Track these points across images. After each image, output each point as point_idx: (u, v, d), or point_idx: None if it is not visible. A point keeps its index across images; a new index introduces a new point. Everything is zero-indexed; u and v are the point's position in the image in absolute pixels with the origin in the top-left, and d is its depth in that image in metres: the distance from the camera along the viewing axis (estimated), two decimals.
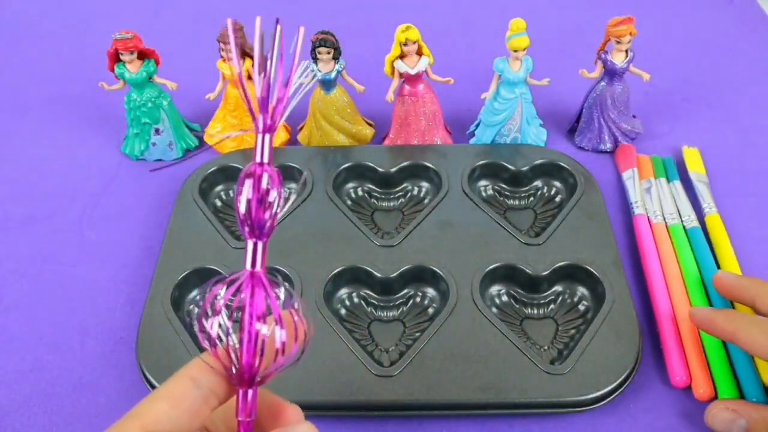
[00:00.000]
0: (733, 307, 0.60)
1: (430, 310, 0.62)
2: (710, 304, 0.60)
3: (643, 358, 0.58)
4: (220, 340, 0.34)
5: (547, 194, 0.73)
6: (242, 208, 0.34)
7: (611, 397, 0.54)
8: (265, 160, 0.35)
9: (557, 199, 0.72)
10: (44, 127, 0.86)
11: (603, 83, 0.76)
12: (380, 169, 0.74)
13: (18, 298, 0.66)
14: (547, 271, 0.63)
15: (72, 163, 0.80)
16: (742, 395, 0.54)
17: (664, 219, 0.69)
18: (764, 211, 0.70)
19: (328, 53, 0.72)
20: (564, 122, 0.83)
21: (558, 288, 0.63)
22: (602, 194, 0.70)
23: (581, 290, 0.63)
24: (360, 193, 0.74)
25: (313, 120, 0.77)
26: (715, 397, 0.54)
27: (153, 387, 0.56)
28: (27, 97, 0.92)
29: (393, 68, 0.73)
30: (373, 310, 0.63)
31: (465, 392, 0.54)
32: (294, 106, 0.35)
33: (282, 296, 0.34)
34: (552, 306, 0.63)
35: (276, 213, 0.35)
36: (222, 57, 0.74)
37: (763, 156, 0.78)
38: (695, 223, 0.67)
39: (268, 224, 0.35)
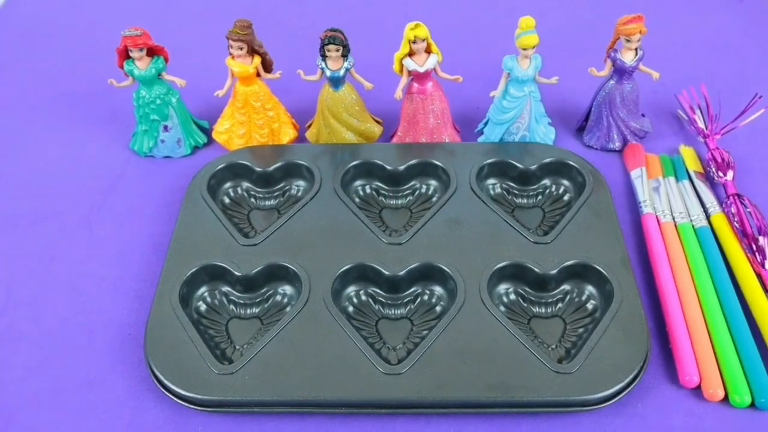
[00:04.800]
0: (743, 304, 0.60)
1: (438, 308, 0.62)
2: (720, 304, 0.60)
3: (652, 357, 0.58)
4: None
5: (555, 193, 0.73)
6: None
7: (619, 397, 0.54)
8: None
9: (565, 197, 0.72)
10: (53, 125, 0.86)
11: (612, 82, 0.75)
12: (388, 167, 0.74)
13: (27, 296, 0.66)
14: (555, 270, 0.63)
15: (80, 161, 0.81)
16: (752, 396, 0.54)
17: (673, 218, 0.68)
18: None
19: (337, 51, 0.72)
20: (573, 121, 0.83)
21: (566, 287, 0.63)
22: (611, 193, 0.70)
23: (589, 289, 0.63)
24: (368, 190, 0.74)
25: (321, 117, 0.77)
26: (726, 398, 0.54)
27: (161, 383, 0.56)
28: (36, 94, 0.92)
29: (402, 66, 0.73)
30: (381, 308, 0.63)
31: (473, 390, 0.54)
32: None
33: None
34: (560, 305, 0.63)
35: None
36: (231, 54, 0.74)
37: None
38: (704, 223, 0.67)
39: None
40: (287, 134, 0.79)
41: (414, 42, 0.71)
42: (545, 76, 0.74)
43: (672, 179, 0.73)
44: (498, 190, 0.74)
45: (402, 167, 0.74)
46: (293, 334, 0.58)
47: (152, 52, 0.75)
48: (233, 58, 0.74)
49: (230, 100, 0.78)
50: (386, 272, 0.63)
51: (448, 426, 0.55)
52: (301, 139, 0.81)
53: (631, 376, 0.54)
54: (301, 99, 0.82)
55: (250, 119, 0.78)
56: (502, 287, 0.63)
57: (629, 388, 0.54)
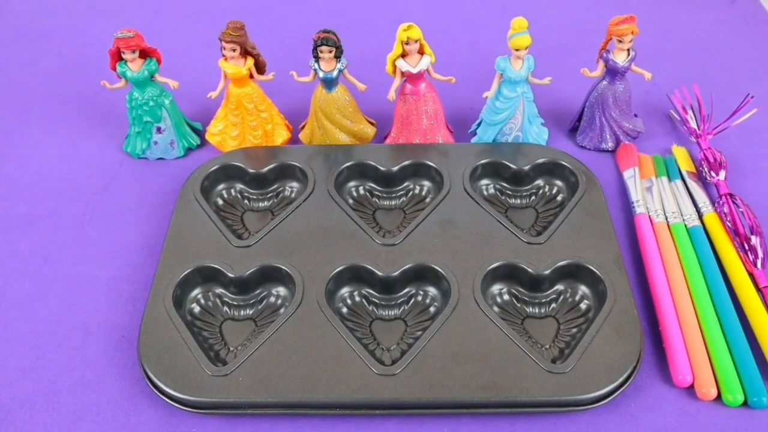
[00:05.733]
0: (735, 303, 0.60)
1: (432, 309, 0.62)
2: (713, 304, 0.60)
3: (645, 357, 0.58)
4: None
5: (548, 193, 0.73)
6: None
7: (613, 396, 0.54)
8: None
9: (558, 198, 0.72)
10: (46, 126, 0.86)
11: (605, 82, 0.76)
12: (382, 168, 0.74)
13: (20, 297, 0.66)
14: (549, 270, 0.63)
15: (74, 162, 0.80)
16: (745, 395, 0.54)
17: (666, 218, 0.69)
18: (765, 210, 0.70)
19: (330, 52, 0.72)
20: (565, 121, 0.83)
21: (559, 287, 0.63)
22: (604, 193, 0.70)
23: (582, 289, 0.63)
24: (361, 191, 0.74)
25: (314, 119, 0.77)
26: (719, 397, 0.55)
27: (155, 385, 0.56)
28: (29, 96, 0.92)
29: (395, 67, 0.73)
30: (375, 309, 0.63)
31: (466, 391, 0.54)
32: None
33: None
34: (553, 305, 0.63)
35: None
36: (223, 56, 0.74)
37: (766, 155, 0.78)
38: (697, 222, 0.67)
39: None
40: (280, 135, 0.79)
41: (407, 43, 0.71)
42: (538, 77, 0.74)
43: (664, 179, 0.73)
44: (491, 190, 0.74)
45: (395, 168, 0.74)
46: (287, 336, 0.58)
47: (145, 53, 0.75)
48: (226, 59, 0.74)
49: (223, 101, 0.78)
50: (380, 273, 0.63)
51: (442, 426, 0.55)
52: (294, 140, 0.81)
53: (625, 376, 0.54)
54: (294, 100, 0.82)
55: (244, 121, 0.78)
56: (495, 288, 0.63)
57: (623, 388, 0.55)
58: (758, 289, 0.61)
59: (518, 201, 0.73)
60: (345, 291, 0.64)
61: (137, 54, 0.74)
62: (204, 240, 0.66)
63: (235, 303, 0.64)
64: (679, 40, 0.98)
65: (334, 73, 0.73)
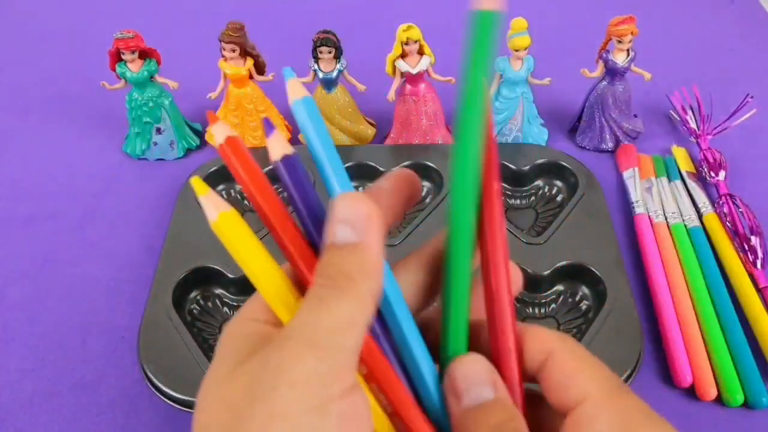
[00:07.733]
0: (735, 303, 0.60)
1: None
2: (713, 304, 0.60)
3: (645, 357, 0.58)
4: None
5: (548, 194, 0.73)
6: None
7: None
8: None
9: (558, 198, 0.72)
10: (46, 127, 0.86)
11: (604, 83, 0.76)
12: (382, 169, 0.74)
13: (20, 298, 0.66)
14: (549, 271, 0.63)
15: (73, 163, 0.80)
16: (745, 395, 0.54)
17: (666, 218, 0.69)
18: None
19: (330, 53, 0.72)
20: (565, 122, 0.83)
21: (559, 287, 0.63)
22: (603, 193, 0.70)
23: (582, 290, 0.63)
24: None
25: None
26: (719, 397, 0.55)
27: (154, 386, 0.56)
28: (28, 96, 0.92)
29: (394, 68, 0.73)
30: None
31: None
32: None
33: None
34: (553, 305, 0.63)
35: None
36: (223, 56, 0.74)
37: (765, 155, 0.78)
38: (696, 223, 0.67)
39: None
40: None
41: (406, 44, 0.71)
42: (537, 77, 0.74)
43: (664, 179, 0.73)
44: None
45: (395, 169, 0.73)
46: None
47: (144, 54, 0.75)
48: (226, 60, 0.74)
49: (223, 102, 0.78)
50: None
51: None
52: (294, 141, 0.81)
53: (624, 376, 0.54)
54: None
55: (243, 121, 0.78)
56: None
57: None
58: (758, 289, 0.61)
59: (518, 201, 0.73)
60: None
61: (137, 55, 0.74)
62: (204, 240, 0.66)
63: (235, 303, 0.64)
64: (678, 40, 0.98)
65: (334, 74, 0.73)
